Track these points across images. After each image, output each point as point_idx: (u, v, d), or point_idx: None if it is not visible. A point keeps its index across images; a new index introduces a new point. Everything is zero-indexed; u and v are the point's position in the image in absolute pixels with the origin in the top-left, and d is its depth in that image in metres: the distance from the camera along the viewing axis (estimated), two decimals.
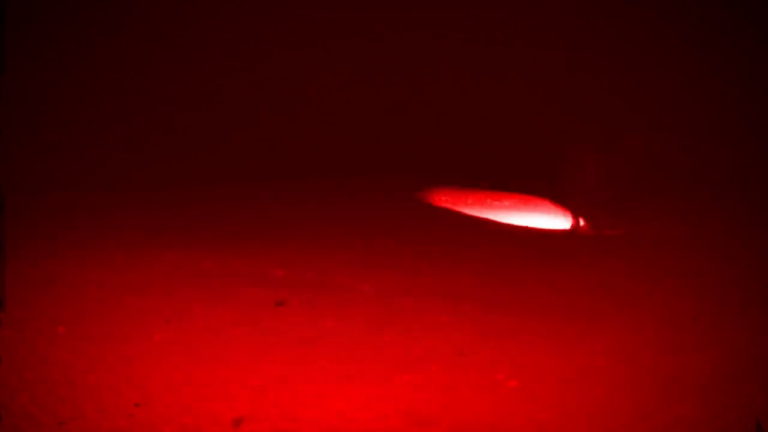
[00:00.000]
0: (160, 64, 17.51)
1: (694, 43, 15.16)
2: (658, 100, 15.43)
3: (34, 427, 3.63)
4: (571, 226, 10.03)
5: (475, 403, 4.74)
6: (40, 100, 15.52)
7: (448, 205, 12.57)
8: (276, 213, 11.60)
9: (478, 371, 5.16)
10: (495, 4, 16.94)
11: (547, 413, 4.59)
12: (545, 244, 9.75)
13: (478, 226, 10.91)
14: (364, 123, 17.74)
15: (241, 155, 16.72)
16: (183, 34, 17.53)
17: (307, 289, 7.06)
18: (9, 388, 4.17)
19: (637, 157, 14.34)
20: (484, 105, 17.23)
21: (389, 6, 17.63)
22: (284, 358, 5.32)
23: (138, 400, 4.54)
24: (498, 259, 8.68)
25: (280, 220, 10.98)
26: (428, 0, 17.86)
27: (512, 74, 17.04)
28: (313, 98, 18.08)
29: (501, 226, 10.94)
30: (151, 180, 13.93)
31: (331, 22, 18.04)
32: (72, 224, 10.29)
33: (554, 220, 11.28)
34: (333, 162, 16.17)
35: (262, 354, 5.35)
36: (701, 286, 7.71)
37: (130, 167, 14.77)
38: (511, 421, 4.47)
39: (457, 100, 17.49)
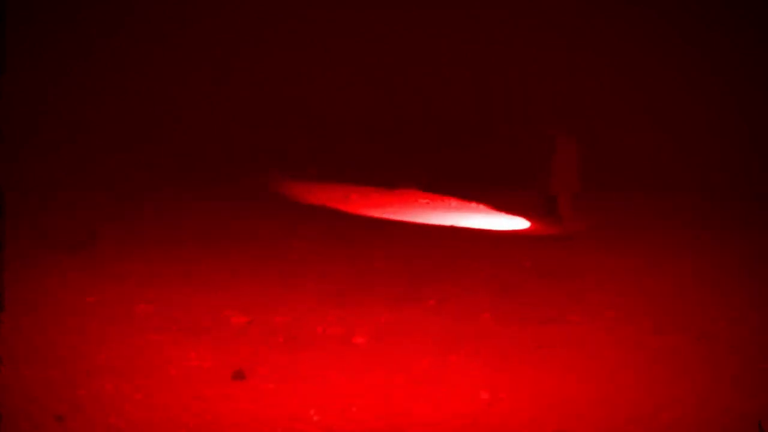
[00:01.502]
0: (160, 64, 17.52)
1: (694, 43, 15.16)
2: (658, 100, 15.43)
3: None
4: (563, 230, 9.51)
5: None
6: (40, 100, 15.51)
7: (432, 211, 11.62)
8: (240, 224, 9.41)
9: None
10: (495, 4, 16.95)
11: None
12: (542, 254, 8.11)
13: (462, 235, 9.53)
14: (362, 123, 17.74)
15: (240, 156, 16.72)
16: (183, 34, 17.53)
17: (278, 346, 4.86)
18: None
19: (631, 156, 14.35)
20: (484, 105, 17.23)
21: (389, 6, 17.64)
22: None
23: None
24: (501, 277, 6.93)
25: (244, 234, 8.79)
26: (428, 0, 17.87)
27: (512, 74, 17.04)
28: (313, 98, 18.08)
29: (487, 234, 9.67)
30: (151, 180, 13.91)
31: (331, 22, 18.04)
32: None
33: (543, 225, 10.10)
34: (324, 166, 16.14)
35: None
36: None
37: (130, 167, 14.76)
38: None
39: (457, 100, 17.49)
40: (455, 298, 6.30)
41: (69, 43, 16.32)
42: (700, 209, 11.31)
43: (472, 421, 3.82)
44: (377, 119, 17.76)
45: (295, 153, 17.03)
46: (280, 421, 3.77)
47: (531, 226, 10.23)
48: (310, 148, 17.22)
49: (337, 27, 17.97)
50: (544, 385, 4.27)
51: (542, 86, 16.48)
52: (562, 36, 16.28)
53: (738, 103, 14.45)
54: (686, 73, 15.24)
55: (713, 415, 4.01)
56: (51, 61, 16.18)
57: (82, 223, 8.83)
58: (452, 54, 17.71)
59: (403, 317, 5.68)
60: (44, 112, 15.66)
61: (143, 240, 8.26)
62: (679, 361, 4.70)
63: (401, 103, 17.85)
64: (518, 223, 10.58)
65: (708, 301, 6.22)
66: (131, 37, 17.07)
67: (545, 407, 4.02)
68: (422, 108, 17.69)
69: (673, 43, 15.47)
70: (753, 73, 14.51)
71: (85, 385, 4.05)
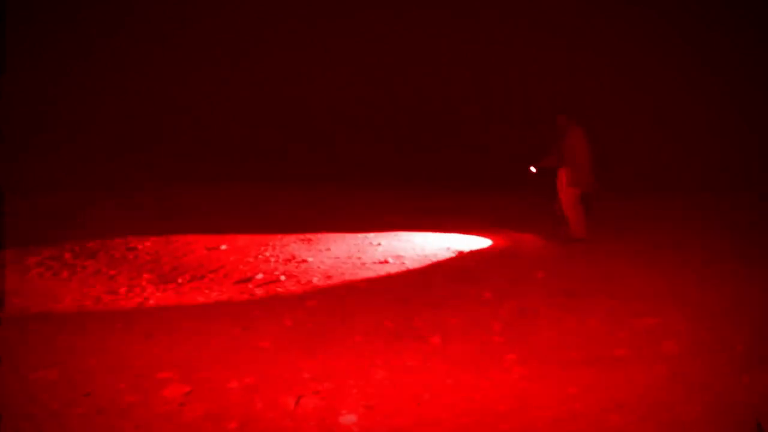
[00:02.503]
0: (160, 64, 17.53)
1: (694, 43, 15.16)
2: (658, 100, 15.43)
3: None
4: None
5: None
6: (40, 100, 15.53)
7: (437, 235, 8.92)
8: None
9: None
10: (495, 4, 16.95)
11: None
12: (554, 266, 6.48)
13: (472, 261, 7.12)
14: (363, 124, 17.74)
15: (240, 157, 16.73)
16: (183, 34, 17.54)
17: None
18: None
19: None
20: (484, 106, 17.23)
21: (389, 6, 17.65)
22: None
23: None
24: (512, 297, 5.40)
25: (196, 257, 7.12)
26: (428, 0, 17.87)
27: (512, 74, 17.04)
28: (313, 98, 18.08)
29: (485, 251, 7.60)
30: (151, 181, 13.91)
31: (331, 22, 18.05)
32: None
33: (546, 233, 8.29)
34: (323, 169, 16.12)
35: None
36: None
37: (130, 168, 14.76)
38: None
39: (457, 101, 17.49)
40: (463, 329, 4.70)
41: (69, 43, 16.33)
42: (705, 207, 10.67)
43: None
44: (376, 120, 17.75)
45: (287, 158, 17.03)
46: None
47: (532, 234, 8.57)
48: (305, 153, 17.20)
49: (337, 27, 17.97)
50: None
51: (542, 86, 16.47)
52: (562, 36, 16.28)
53: (738, 103, 14.44)
54: (686, 73, 15.24)
55: None
56: (51, 61, 16.19)
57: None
58: (452, 54, 17.72)
59: (405, 368, 4.01)
60: (44, 112, 15.68)
61: (74, 265, 6.82)
62: None
63: (401, 103, 17.85)
64: (518, 230, 8.96)
65: None
66: (131, 37, 17.08)
67: None
68: (422, 109, 17.69)
69: (673, 43, 15.47)
70: (753, 73, 14.51)
71: None
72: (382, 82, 18.01)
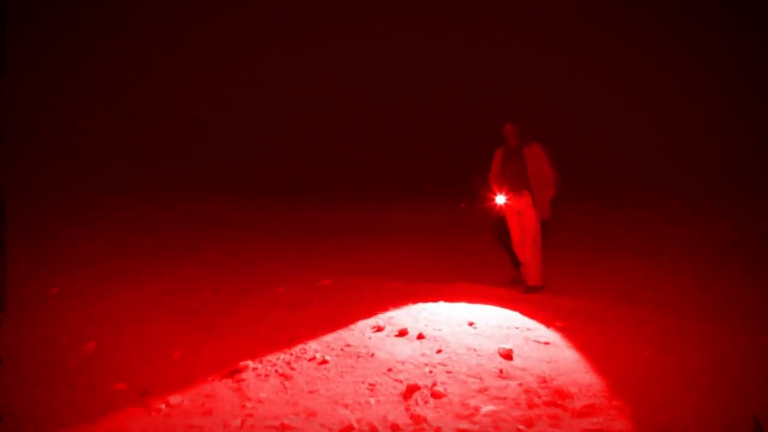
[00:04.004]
0: (160, 64, 17.54)
1: (694, 43, 15.17)
2: (658, 100, 15.43)
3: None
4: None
5: None
6: (40, 100, 15.53)
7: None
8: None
9: None
10: (495, 4, 16.95)
11: None
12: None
13: None
14: (362, 124, 17.74)
15: (240, 161, 16.72)
16: (183, 34, 17.56)
17: None
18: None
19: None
20: (484, 106, 17.22)
21: (389, 6, 17.65)
22: None
23: None
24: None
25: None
26: (428, 0, 17.87)
27: (512, 74, 17.05)
28: (313, 98, 18.08)
29: None
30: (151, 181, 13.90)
31: (331, 22, 18.06)
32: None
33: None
34: (325, 177, 16.06)
35: None
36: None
37: (130, 169, 14.76)
38: None
39: (457, 101, 17.49)
40: None
41: (69, 43, 16.34)
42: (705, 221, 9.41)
43: None
44: (376, 120, 17.74)
45: (287, 162, 16.99)
46: None
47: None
48: (305, 156, 17.17)
49: (337, 27, 17.97)
50: None
51: (542, 86, 16.48)
52: (562, 36, 16.28)
53: (738, 103, 14.45)
54: (686, 73, 15.25)
55: None
56: (51, 61, 16.20)
57: None
58: (452, 54, 17.72)
59: None
60: (44, 112, 15.69)
61: None
62: None
63: (401, 103, 17.84)
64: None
65: None
66: (131, 37, 17.09)
67: None
68: (422, 110, 17.68)
69: (673, 43, 15.48)
70: (753, 73, 14.52)
71: None
72: (382, 82, 18.01)
